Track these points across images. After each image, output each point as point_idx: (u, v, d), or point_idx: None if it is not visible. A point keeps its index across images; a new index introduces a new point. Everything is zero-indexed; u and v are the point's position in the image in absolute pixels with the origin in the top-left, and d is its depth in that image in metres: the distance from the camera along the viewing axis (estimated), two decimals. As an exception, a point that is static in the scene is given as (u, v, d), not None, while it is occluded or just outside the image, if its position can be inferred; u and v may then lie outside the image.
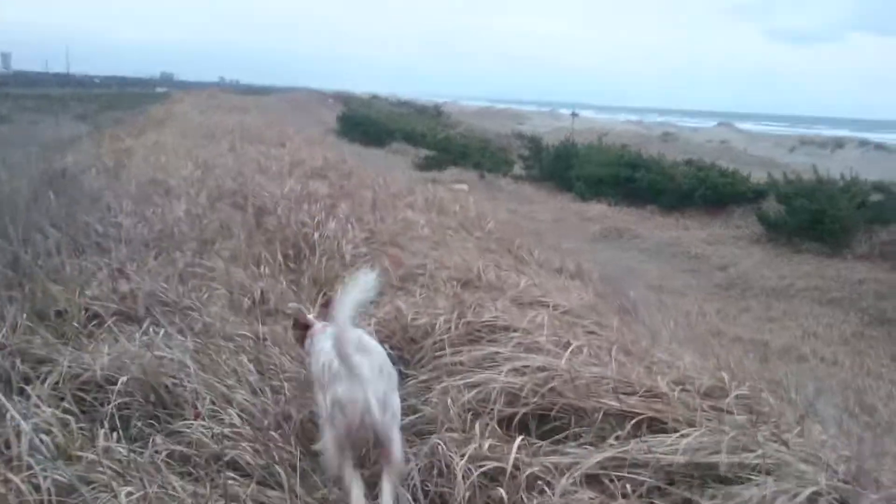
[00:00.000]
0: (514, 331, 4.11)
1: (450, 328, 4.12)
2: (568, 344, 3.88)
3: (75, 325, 3.80)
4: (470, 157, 34.41)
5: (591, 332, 4.48)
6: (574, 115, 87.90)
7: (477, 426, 3.18)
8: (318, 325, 3.73)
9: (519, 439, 3.07)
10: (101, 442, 2.74)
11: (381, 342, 3.58)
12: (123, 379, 3.19)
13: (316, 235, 5.22)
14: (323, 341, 3.47)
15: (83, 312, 3.95)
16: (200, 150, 9.69)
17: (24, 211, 4.59)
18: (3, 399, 2.81)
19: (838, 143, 65.29)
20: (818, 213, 19.09)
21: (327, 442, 3.02)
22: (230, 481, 2.72)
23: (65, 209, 4.91)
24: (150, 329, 3.79)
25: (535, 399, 3.41)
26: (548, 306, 4.73)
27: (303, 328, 3.80)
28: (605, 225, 22.94)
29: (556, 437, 3.24)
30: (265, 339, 4.06)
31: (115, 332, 3.74)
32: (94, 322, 3.92)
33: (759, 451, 2.97)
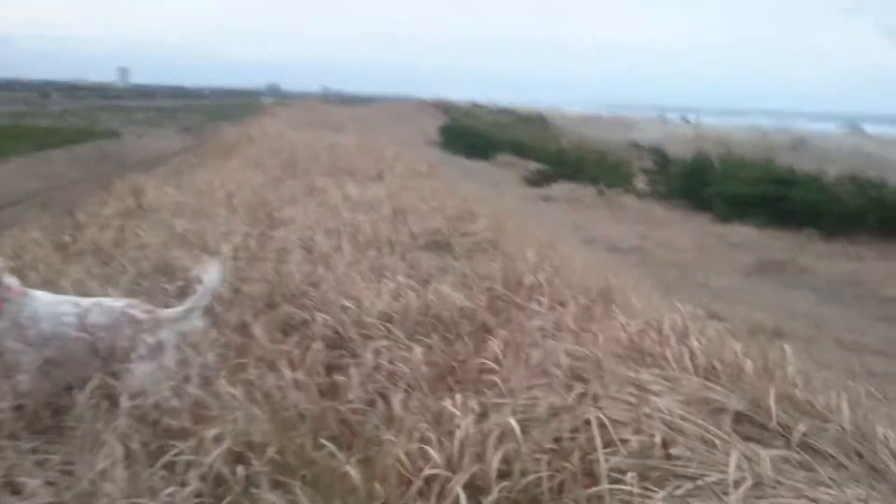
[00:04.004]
0: None
1: None
2: None
3: None
4: (585, 170, 31.36)
5: None
6: (686, 120, 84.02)
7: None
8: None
9: None
10: None
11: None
12: None
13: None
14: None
15: None
16: (270, 193, 6.95)
17: None
18: None
19: None
20: None
21: None
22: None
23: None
24: None
25: None
26: None
27: None
28: (759, 255, 19.24)
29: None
30: None
31: None
32: None
33: None
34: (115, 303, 3.28)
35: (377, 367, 2.91)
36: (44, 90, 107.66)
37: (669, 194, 27.63)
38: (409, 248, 5.00)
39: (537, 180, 30.52)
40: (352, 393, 2.73)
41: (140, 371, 2.94)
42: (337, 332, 3.34)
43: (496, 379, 2.76)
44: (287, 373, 2.85)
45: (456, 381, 2.76)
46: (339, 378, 2.90)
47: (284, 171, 8.89)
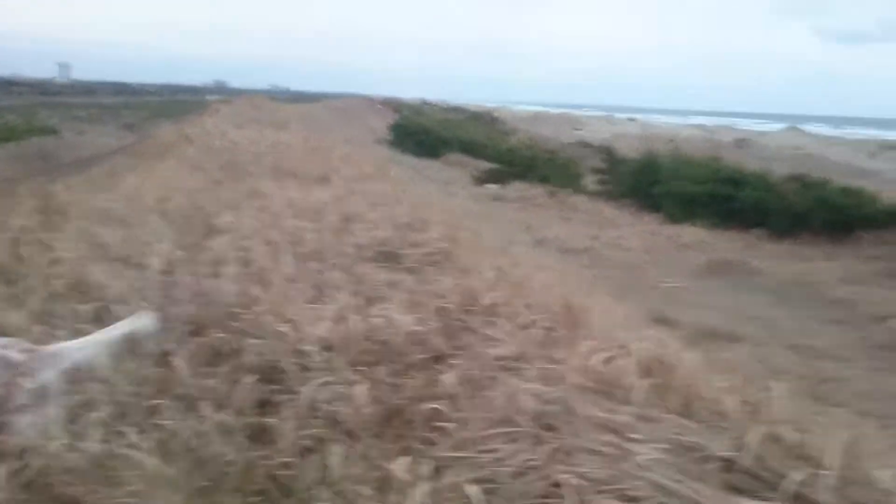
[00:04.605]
0: None
1: None
2: None
3: None
4: (536, 169, 31.27)
5: None
6: (632, 119, 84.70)
7: None
8: None
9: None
10: None
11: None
12: None
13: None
14: None
15: None
16: (208, 198, 6.47)
17: None
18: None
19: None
20: None
21: None
22: None
23: None
24: None
25: None
26: None
27: None
28: (709, 255, 19.29)
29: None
30: None
31: None
32: None
33: None
34: None
35: (314, 409, 2.54)
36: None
37: (619, 194, 27.59)
38: (355, 261, 4.59)
39: (487, 180, 30.31)
40: (283, 441, 2.36)
41: (21, 425, 2.45)
42: (271, 363, 2.94)
43: (450, 426, 2.41)
44: (211, 414, 2.47)
45: (405, 423, 2.40)
46: (270, 420, 2.52)
47: (224, 172, 8.40)
